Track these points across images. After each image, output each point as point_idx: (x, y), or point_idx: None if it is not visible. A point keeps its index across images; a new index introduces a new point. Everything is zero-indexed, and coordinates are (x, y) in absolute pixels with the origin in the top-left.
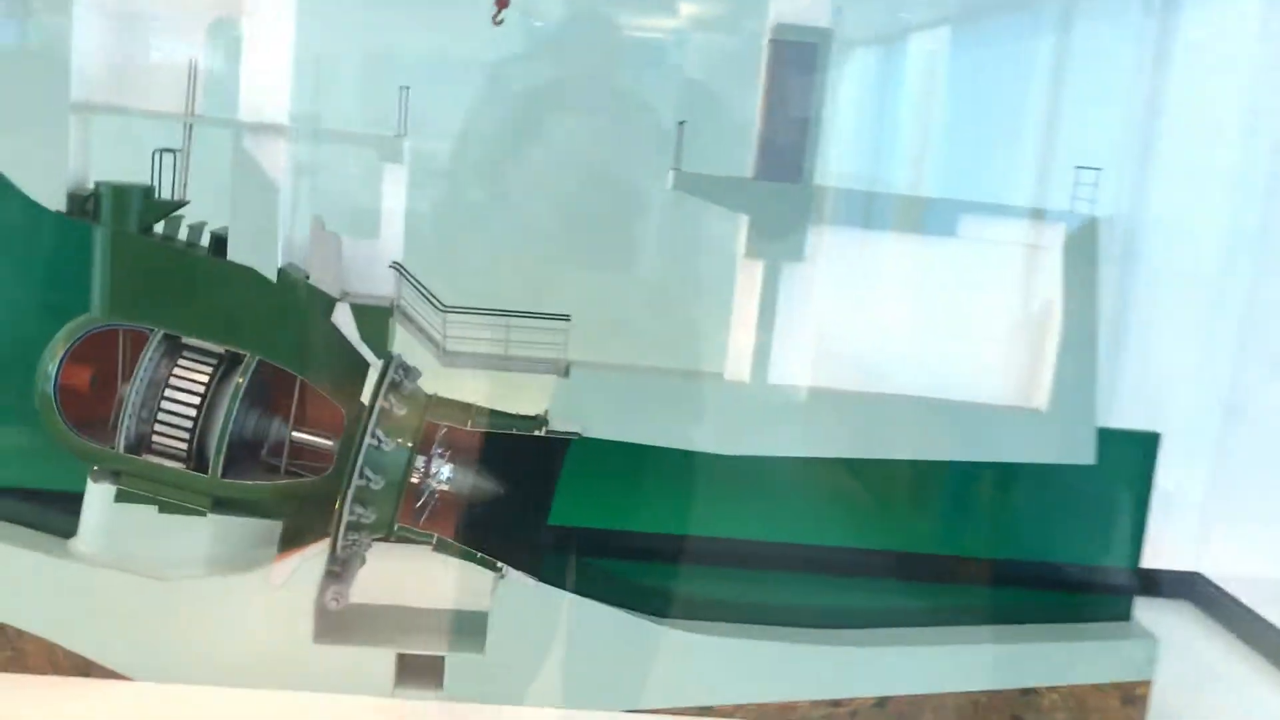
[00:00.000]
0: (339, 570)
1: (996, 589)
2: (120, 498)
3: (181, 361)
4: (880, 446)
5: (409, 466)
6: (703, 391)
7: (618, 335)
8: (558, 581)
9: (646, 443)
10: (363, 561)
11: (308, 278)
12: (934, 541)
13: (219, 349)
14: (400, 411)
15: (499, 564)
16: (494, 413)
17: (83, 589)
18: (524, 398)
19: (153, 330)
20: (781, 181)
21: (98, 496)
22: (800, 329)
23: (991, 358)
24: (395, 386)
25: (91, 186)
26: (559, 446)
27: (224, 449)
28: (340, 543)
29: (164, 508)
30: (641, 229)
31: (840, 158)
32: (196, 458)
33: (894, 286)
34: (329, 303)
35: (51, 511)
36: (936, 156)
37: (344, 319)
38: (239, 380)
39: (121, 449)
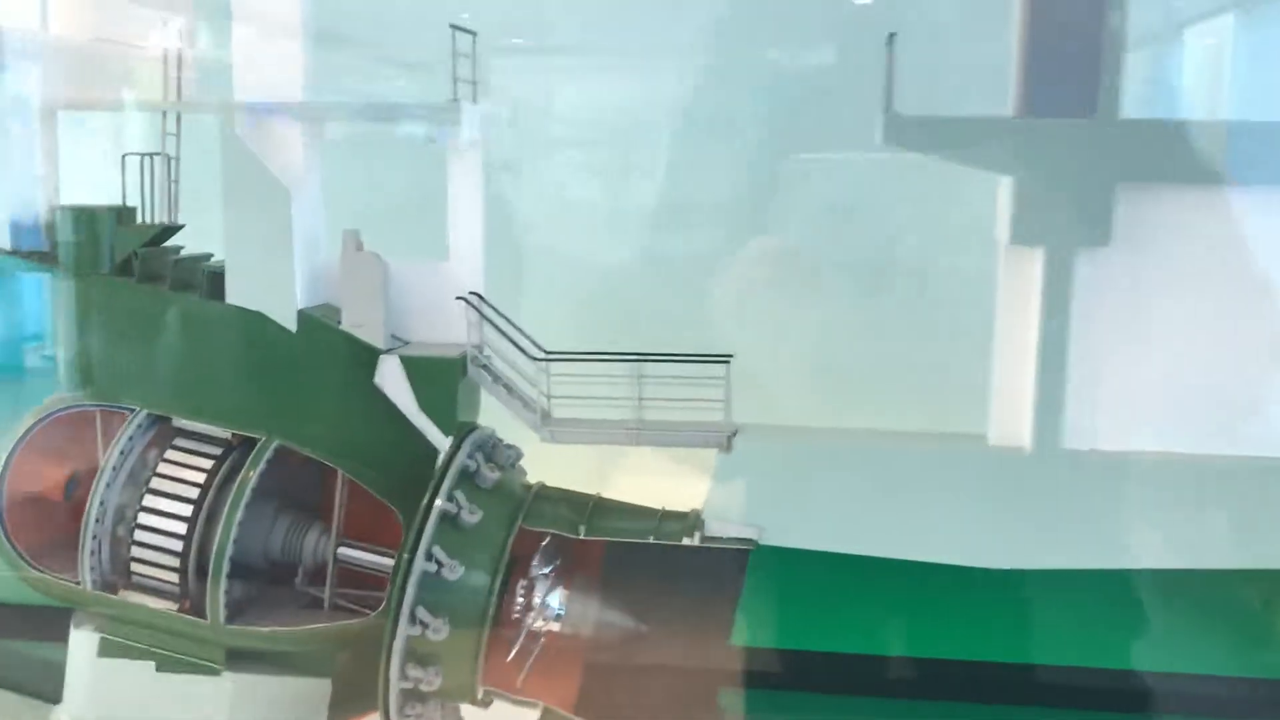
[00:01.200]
0: None
1: None
2: (105, 651)
3: (170, 454)
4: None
5: (492, 600)
6: (954, 465)
7: (810, 384)
8: None
9: (860, 553)
10: None
11: (339, 322)
12: None
13: (222, 432)
14: (472, 517)
15: None
16: (621, 510)
17: None
18: (678, 482)
19: (133, 410)
20: (1064, 118)
21: (82, 647)
22: (1112, 360)
23: None
24: (468, 478)
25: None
26: (730, 561)
27: (222, 578)
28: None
29: (162, 664)
30: (847, 221)
31: (1151, 78)
32: (197, 591)
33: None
34: (370, 356)
35: (45, 648)
36: None
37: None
38: (248, 475)
39: (89, 584)
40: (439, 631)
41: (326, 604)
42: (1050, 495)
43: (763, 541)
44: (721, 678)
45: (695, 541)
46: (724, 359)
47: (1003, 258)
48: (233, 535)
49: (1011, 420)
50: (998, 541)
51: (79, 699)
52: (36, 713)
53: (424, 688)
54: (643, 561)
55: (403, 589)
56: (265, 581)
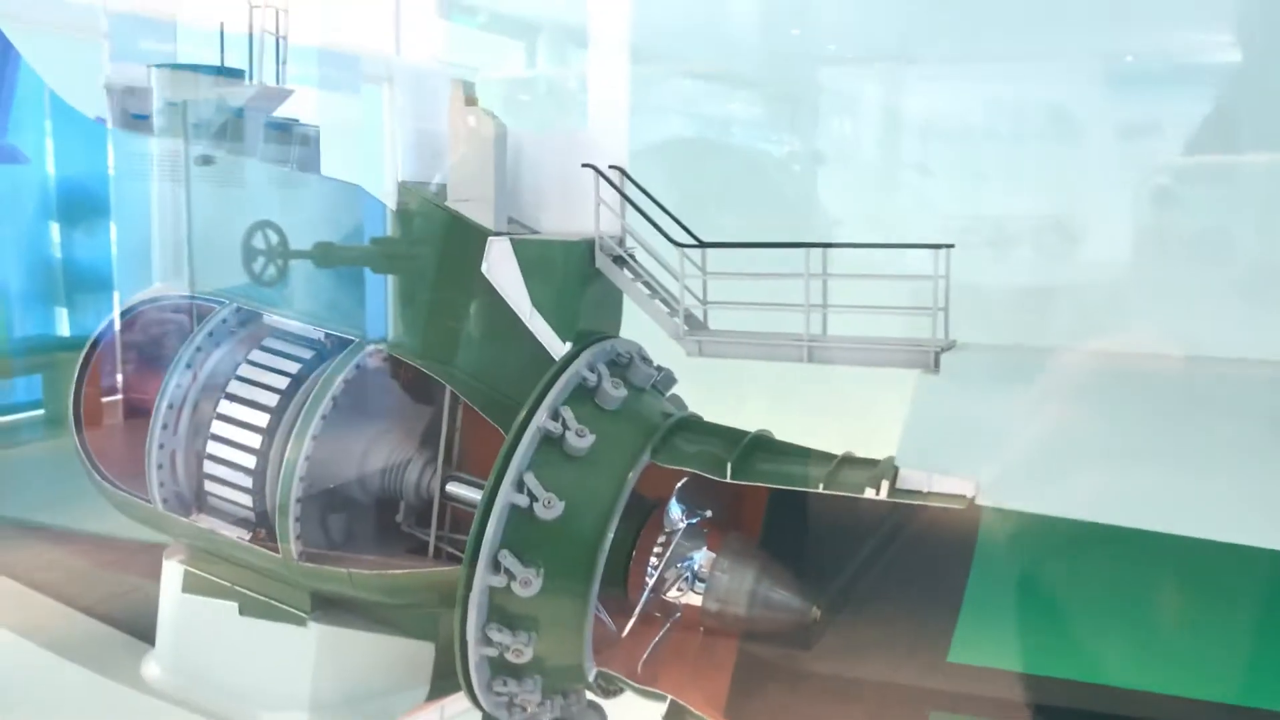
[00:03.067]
0: None
1: None
2: (188, 586)
3: (255, 354)
4: None
5: (602, 549)
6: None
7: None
8: None
9: (1131, 526)
10: None
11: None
12: None
13: (317, 333)
14: (581, 441)
15: None
16: (788, 451)
17: None
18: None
19: (221, 304)
20: None
21: (170, 583)
22: None
23: None
24: (585, 394)
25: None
26: (950, 530)
27: (291, 502)
28: (481, 696)
29: (245, 607)
30: None
31: None
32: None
33: None
34: (478, 239)
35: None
36: None
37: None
38: (332, 379)
39: (159, 503)
40: (528, 585)
41: (431, 550)
42: None
43: (984, 501)
44: (928, 695)
45: (881, 495)
46: (943, 246)
47: None
48: (305, 450)
49: None
50: None
51: (166, 641)
52: (135, 654)
53: (512, 657)
54: (823, 521)
55: (483, 525)
56: (369, 520)
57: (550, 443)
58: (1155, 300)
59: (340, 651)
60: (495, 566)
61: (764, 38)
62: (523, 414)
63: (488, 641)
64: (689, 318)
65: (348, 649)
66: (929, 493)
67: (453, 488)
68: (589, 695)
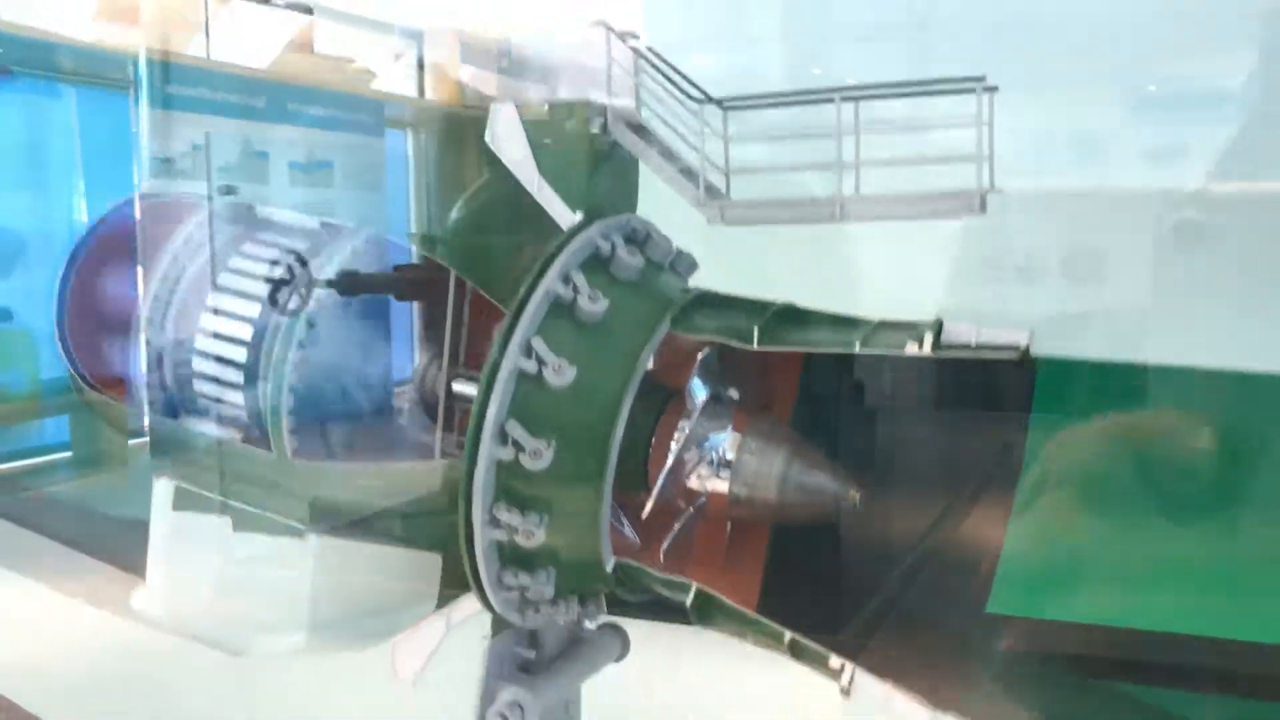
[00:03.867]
0: (532, 656)
1: None
2: (179, 503)
3: (247, 246)
4: None
5: (618, 421)
6: None
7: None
8: None
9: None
10: (619, 652)
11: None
12: None
13: (312, 223)
14: (594, 305)
15: (842, 664)
16: (819, 318)
17: (135, 667)
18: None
19: (213, 196)
20: None
21: (161, 503)
22: None
23: None
24: (598, 263)
25: None
26: (1010, 385)
27: (284, 392)
28: (490, 592)
29: (239, 521)
30: None
31: None
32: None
33: None
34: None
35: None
36: None
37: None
38: (329, 269)
39: (146, 406)
40: (539, 456)
41: (437, 454)
42: None
43: (1043, 352)
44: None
45: (925, 350)
46: (986, 88)
47: None
48: (296, 336)
49: None
50: None
51: (159, 569)
52: (125, 588)
53: (523, 540)
54: (862, 396)
55: (487, 393)
56: (369, 422)
57: (560, 309)
58: None
59: (341, 567)
60: (503, 438)
61: (784, 77)
62: (530, 277)
63: (495, 524)
64: (709, 187)
65: (349, 563)
66: (978, 345)
67: (460, 386)
68: (613, 621)
